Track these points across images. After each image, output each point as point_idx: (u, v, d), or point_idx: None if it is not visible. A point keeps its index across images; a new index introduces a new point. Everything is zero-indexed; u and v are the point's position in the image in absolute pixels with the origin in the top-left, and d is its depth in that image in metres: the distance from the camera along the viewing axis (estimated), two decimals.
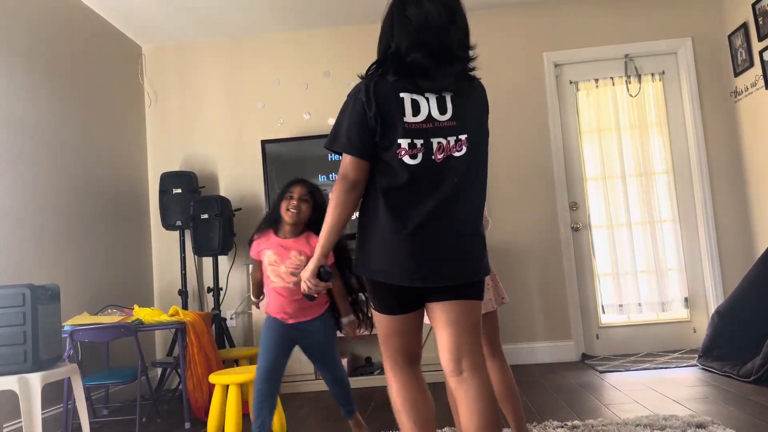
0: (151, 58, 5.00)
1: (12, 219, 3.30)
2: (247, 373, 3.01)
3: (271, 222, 2.80)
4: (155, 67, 5.00)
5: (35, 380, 2.59)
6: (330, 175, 4.53)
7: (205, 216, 4.34)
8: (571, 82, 4.78)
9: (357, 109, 1.71)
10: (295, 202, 2.70)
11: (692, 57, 4.66)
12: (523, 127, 4.75)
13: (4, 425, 3.03)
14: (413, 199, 1.71)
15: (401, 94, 1.71)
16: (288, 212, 2.70)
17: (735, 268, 4.47)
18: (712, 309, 4.30)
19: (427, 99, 1.73)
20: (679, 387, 3.47)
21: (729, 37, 4.53)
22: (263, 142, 4.56)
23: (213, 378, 3.04)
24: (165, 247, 4.78)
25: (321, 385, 4.06)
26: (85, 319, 3.42)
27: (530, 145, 4.74)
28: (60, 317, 2.91)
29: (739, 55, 4.42)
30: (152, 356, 4.58)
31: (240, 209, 4.59)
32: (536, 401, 3.39)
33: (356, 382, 4.19)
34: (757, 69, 4.19)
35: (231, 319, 4.62)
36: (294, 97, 4.88)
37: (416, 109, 1.71)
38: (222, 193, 4.76)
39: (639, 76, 4.72)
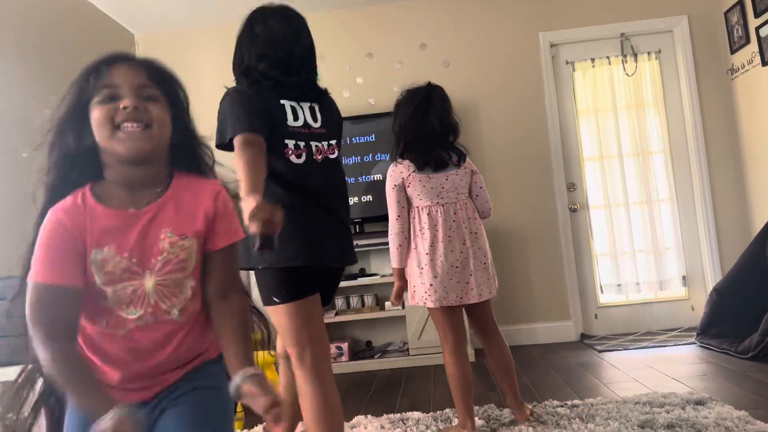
0: (144, 46, 4.96)
1: (5, 213, 3.30)
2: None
3: (74, 171, 1.30)
4: (149, 55, 4.95)
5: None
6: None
7: None
8: (567, 63, 4.76)
9: (245, 100, 1.85)
10: (131, 105, 1.27)
11: (688, 35, 4.64)
12: (520, 108, 4.74)
13: None
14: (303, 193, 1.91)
15: (282, 101, 1.91)
16: (121, 132, 1.24)
17: (733, 245, 4.49)
18: (710, 287, 4.32)
19: (302, 107, 1.95)
20: (678, 365, 3.49)
21: (725, 14, 4.50)
22: None
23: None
24: None
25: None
26: None
27: (527, 126, 4.73)
28: None
29: (735, 32, 4.40)
30: None
31: (237, 195, 4.58)
32: (536, 381, 3.41)
33: (357, 366, 4.22)
34: (753, 46, 4.18)
35: None
36: None
37: (295, 115, 1.92)
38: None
39: (635, 55, 4.70)
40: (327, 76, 4.78)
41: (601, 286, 4.70)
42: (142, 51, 4.95)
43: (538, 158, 4.71)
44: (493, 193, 4.65)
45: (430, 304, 2.47)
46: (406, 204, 2.55)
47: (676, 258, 4.64)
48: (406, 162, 2.54)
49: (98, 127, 1.23)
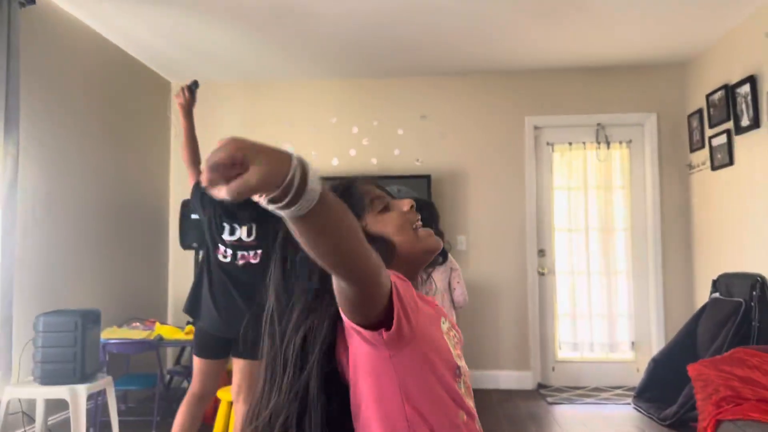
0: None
1: (56, 248, 3.97)
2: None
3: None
4: None
5: (82, 390, 3.27)
6: None
7: None
8: (548, 144, 5.41)
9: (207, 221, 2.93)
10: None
11: (656, 130, 5.29)
12: (504, 179, 5.39)
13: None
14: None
15: (224, 223, 2.87)
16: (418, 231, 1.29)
17: (677, 319, 5.12)
18: (654, 353, 4.96)
19: (241, 228, 2.85)
20: (609, 425, 4.14)
21: (688, 117, 5.15)
22: None
23: (220, 394, 3.71)
24: (181, 265, 5.43)
25: None
26: (115, 333, 4.08)
27: (508, 195, 5.38)
28: (100, 336, 3.58)
29: (695, 134, 5.04)
30: (164, 363, 5.26)
31: None
32: (486, 428, 4.05)
33: None
34: (706, 151, 4.82)
35: None
36: (303, 138, 5.51)
37: (232, 232, 2.86)
38: None
39: (608, 143, 5.35)
40: (336, 136, 5.47)
41: (560, 343, 5.34)
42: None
43: (515, 225, 5.36)
44: (473, 252, 5.34)
45: None
46: None
47: (627, 324, 5.28)
48: None
49: (399, 231, 1.15)
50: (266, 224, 2.84)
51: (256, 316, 2.65)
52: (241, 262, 2.85)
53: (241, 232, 2.85)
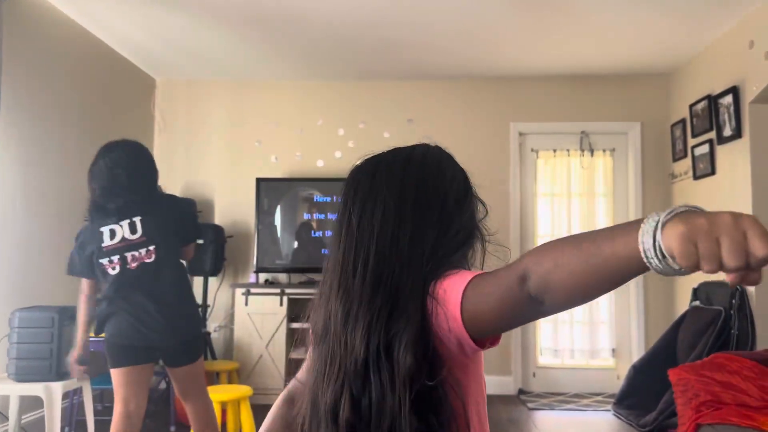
0: (163, 90, 5.58)
1: (35, 243, 3.90)
2: (228, 393, 3.62)
3: None
4: (166, 99, 5.59)
5: (58, 388, 3.21)
6: (314, 214, 5.16)
7: (201, 241, 4.93)
8: (532, 150, 5.44)
9: (79, 245, 2.63)
10: None
11: (639, 139, 5.34)
12: (488, 185, 5.35)
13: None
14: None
15: (101, 228, 2.56)
16: None
17: (657, 327, 5.16)
18: (635, 360, 4.98)
19: (122, 225, 2.54)
20: (589, 431, 4.15)
21: (671, 126, 5.21)
22: (258, 180, 5.17)
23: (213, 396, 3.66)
24: None
25: None
26: (92, 331, 4.01)
27: (492, 201, 5.29)
28: None
29: (677, 144, 5.10)
30: None
31: (232, 236, 5.20)
32: None
33: None
34: (689, 161, 4.87)
35: (215, 332, 5.23)
36: (289, 138, 5.49)
37: (112, 235, 2.54)
38: (216, 220, 5.36)
39: (592, 151, 5.39)
40: (322, 138, 5.46)
41: (540, 349, 5.36)
42: (161, 95, 5.58)
43: (498, 230, 5.35)
44: None
45: None
46: None
47: (608, 332, 5.31)
48: None
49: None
50: (151, 216, 2.57)
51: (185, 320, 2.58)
52: (133, 265, 2.53)
53: (123, 231, 2.54)
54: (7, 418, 3.40)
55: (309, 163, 5.43)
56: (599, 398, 5.05)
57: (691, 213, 0.65)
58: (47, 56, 4.01)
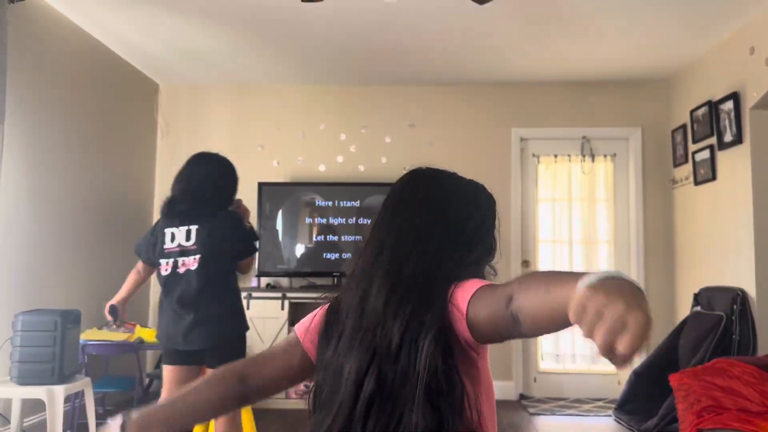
0: (166, 95, 5.60)
1: (38, 246, 3.92)
2: None
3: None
4: (169, 103, 5.61)
5: (60, 391, 3.21)
6: (316, 219, 5.17)
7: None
8: (533, 155, 5.46)
9: (150, 235, 2.88)
10: None
11: (640, 144, 5.35)
12: (489, 190, 5.39)
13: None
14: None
15: (165, 230, 2.78)
16: None
17: (657, 333, 5.15)
18: (636, 366, 4.98)
19: (180, 230, 2.75)
20: None
21: (672, 132, 5.22)
22: (260, 184, 5.18)
23: None
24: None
25: (291, 403, 4.71)
26: (95, 334, 4.02)
27: None
28: (79, 337, 3.53)
29: (678, 149, 5.11)
30: (144, 367, 5.18)
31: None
32: None
33: None
34: (689, 166, 4.88)
35: None
36: (291, 143, 5.50)
37: (172, 238, 2.75)
38: None
39: (593, 156, 5.40)
40: (324, 142, 5.48)
41: (542, 354, 5.36)
42: (164, 99, 5.60)
43: (500, 235, 5.36)
44: None
45: None
46: None
47: None
48: None
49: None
50: (207, 227, 2.74)
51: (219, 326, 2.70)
52: (182, 270, 2.73)
53: (181, 237, 2.74)
54: (9, 421, 3.41)
55: (311, 167, 5.45)
56: (600, 403, 5.05)
57: (607, 284, 0.71)
58: (51, 61, 4.04)
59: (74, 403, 3.91)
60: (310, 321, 1.27)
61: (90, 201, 4.49)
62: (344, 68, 5.16)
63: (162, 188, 5.49)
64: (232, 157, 5.52)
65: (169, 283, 2.75)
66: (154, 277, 5.32)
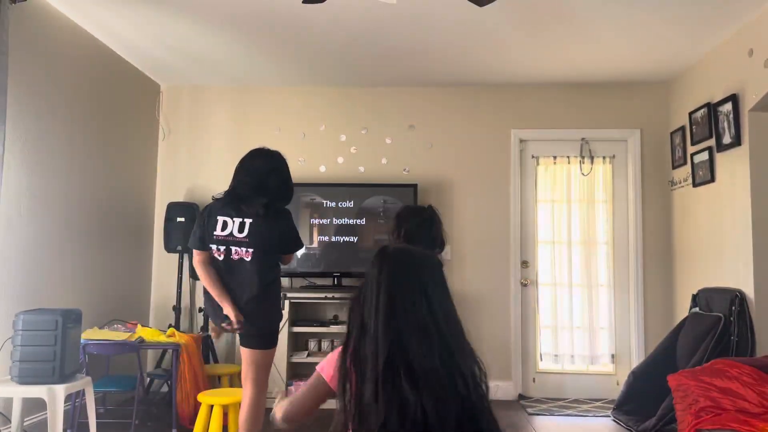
0: (168, 96, 5.62)
1: (39, 246, 3.93)
2: (229, 396, 3.64)
3: None
4: (171, 104, 5.62)
5: (60, 390, 3.23)
6: (317, 220, 5.18)
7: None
8: (533, 157, 5.47)
9: (200, 222, 3.01)
10: None
11: (639, 146, 5.37)
12: (488, 191, 5.44)
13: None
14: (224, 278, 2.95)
15: (218, 216, 2.93)
16: None
17: (656, 333, 5.18)
18: (634, 366, 5.00)
19: (234, 221, 2.92)
20: None
21: (671, 134, 5.24)
22: None
23: (201, 397, 3.68)
24: (164, 268, 5.40)
25: None
26: (96, 334, 4.03)
27: (493, 206, 5.43)
28: (80, 336, 3.54)
29: (677, 151, 5.13)
30: (144, 366, 5.19)
31: None
32: None
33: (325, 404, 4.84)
34: (688, 168, 4.90)
35: None
36: (292, 144, 5.52)
37: (224, 226, 2.92)
38: None
39: (592, 158, 5.42)
40: (324, 143, 5.50)
41: (540, 354, 5.37)
42: (165, 101, 5.61)
43: (499, 235, 5.40)
44: (458, 262, 5.37)
45: None
46: None
47: (607, 337, 5.33)
48: None
49: None
50: (260, 222, 2.91)
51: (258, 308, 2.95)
52: (235, 257, 2.90)
53: (233, 227, 2.91)
54: (9, 421, 3.42)
55: (311, 168, 5.47)
56: (599, 404, 5.07)
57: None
58: (53, 61, 4.05)
59: (75, 402, 3.92)
60: None
61: (91, 201, 4.50)
62: (345, 69, 5.18)
63: (163, 188, 5.51)
64: (234, 158, 5.51)
65: (224, 268, 2.93)
66: (156, 277, 5.40)
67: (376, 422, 1.20)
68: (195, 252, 3.03)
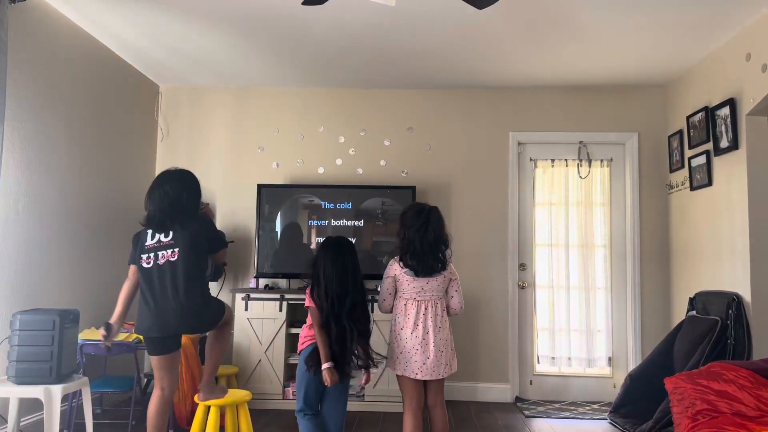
0: (166, 97, 5.62)
1: (38, 247, 3.92)
2: (227, 397, 3.63)
3: None
4: (170, 105, 5.62)
5: (57, 391, 3.22)
6: (317, 222, 5.18)
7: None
8: (531, 159, 5.48)
9: (134, 243, 3.15)
10: None
11: (637, 150, 5.39)
12: (487, 193, 5.44)
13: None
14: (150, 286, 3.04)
15: (147, 231, 3.09)
16: None
17: (653, 336, 5.19)
18: (631, 369, 5.00)
19: (161, 233, 3.07)
20: None
21: (669, 137, 5.25)
22: (259, 186, 5.20)
23: (198, 398, 3.67)
24: None
25: (288, 404, 4.72)
26: (93, 334, 4.02)
27: (491, 209, 5.44)
28: (77, 337, 3.54)
29: (674, 154, 5.14)
30: (141, 367, 5.18)
31: (233, 241, 5.22)
32: None
33: None
34: (685, 171, 4.91)
35: None
36: (290, 145, 5.53)
37: (153, 236, 3.07)
38: (218, 225, 5.37)
39: (590, 161, 5.43)
40: (323, 145, 5.51)
41: (538, 357, 5.38)
42: (164, 102, 5.61)
43: (497, 238, 5.40)
44: (456, 263, 5.34)
45: (397, 372, 3.15)
46: (394, 292, 3.27)
47: (605, 340, 5.33)
48: (403, 264, 3.23)
49: None
50: (183, 228, 3.06)
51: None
52: (161, 261, 3.03)
53: (160, 235, 3.06)
54: (6, 421, 3.42)
55: (310, 169, 5.47)
56: (596, 406, 5.07)
57: None
58: (52, 62, 4.05)
59: (71, 402, 3.91)
60: None
61: (89, 201, 4.50)
62: (343, 71, 5.18)
63: None
64: (232, 159, 5.58)
65: (150, 272, 3.02)
66: None
67: (326, 309, 2.98)
68: (130, 270, 3.15)
